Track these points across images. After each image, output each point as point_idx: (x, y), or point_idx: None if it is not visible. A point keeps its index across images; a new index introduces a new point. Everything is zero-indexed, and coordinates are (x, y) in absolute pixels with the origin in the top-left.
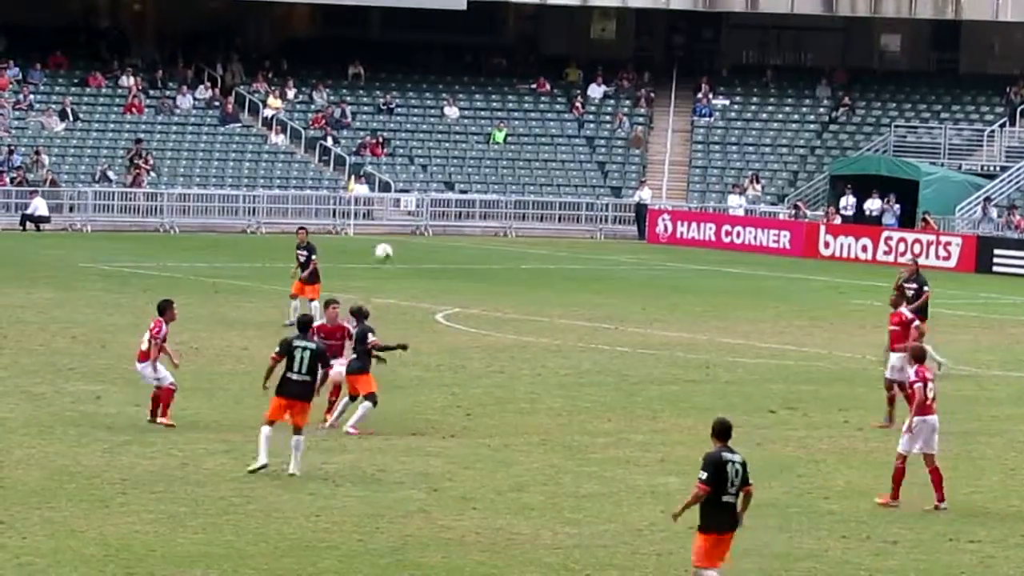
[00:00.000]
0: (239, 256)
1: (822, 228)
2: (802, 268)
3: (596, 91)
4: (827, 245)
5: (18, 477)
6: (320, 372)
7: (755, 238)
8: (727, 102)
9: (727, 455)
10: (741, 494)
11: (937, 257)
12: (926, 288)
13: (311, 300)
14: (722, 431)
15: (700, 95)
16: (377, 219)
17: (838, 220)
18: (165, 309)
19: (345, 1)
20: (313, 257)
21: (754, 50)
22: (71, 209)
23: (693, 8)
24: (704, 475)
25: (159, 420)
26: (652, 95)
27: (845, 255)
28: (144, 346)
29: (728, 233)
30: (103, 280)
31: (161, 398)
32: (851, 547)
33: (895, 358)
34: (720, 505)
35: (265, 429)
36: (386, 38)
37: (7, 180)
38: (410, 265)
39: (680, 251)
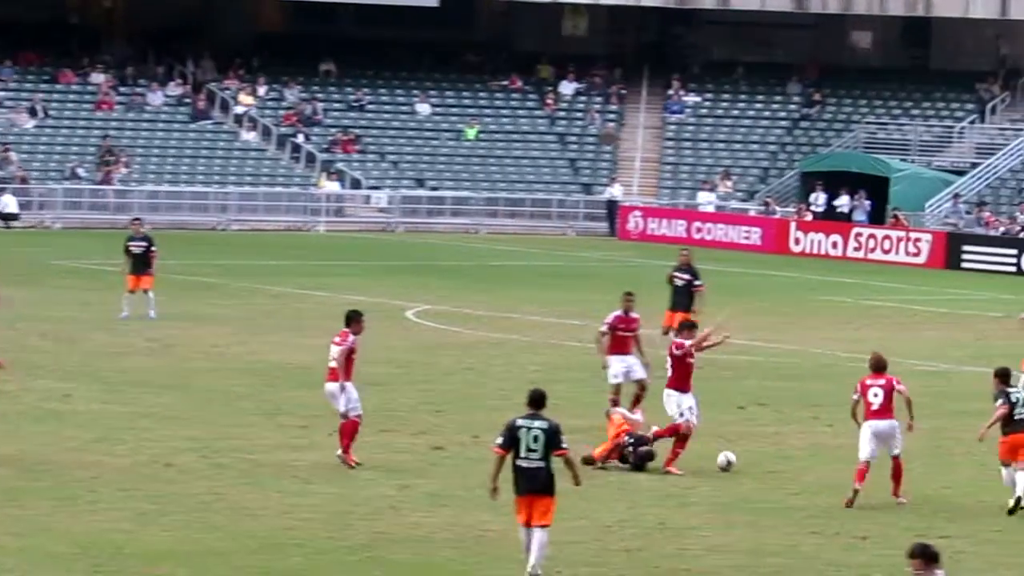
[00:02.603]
0: (209, 253)
1: (792, 225)
2: (773, 264)
3: (568, 88)
4: (797, 241)
5: None
6: None
7: (726, 235)
8: (698, 99)
9: (522, 421)
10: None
11: (907, 253)
12: (698, 282)
13: (146, 291)
14: (532, 400)
15: (671, 92)
16: (348, 216)
17: (809, 217)
18: (353, 320)
19: None
20: (153, 248)
21: (725, 47)
22: (41, 206)
23: (664, 5)
24: (499, 440)
25: (343, 457)
26: (624, 92)
27: (815, 251)
28: (333, 363)
29: (699, 230)
30: (73, 277)
31: (344, 431)
32: (821, 543)
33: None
34: (517, 469)
35: None
36: (358, 34)
37: None
38: (381, 262)
39: (651, 247)
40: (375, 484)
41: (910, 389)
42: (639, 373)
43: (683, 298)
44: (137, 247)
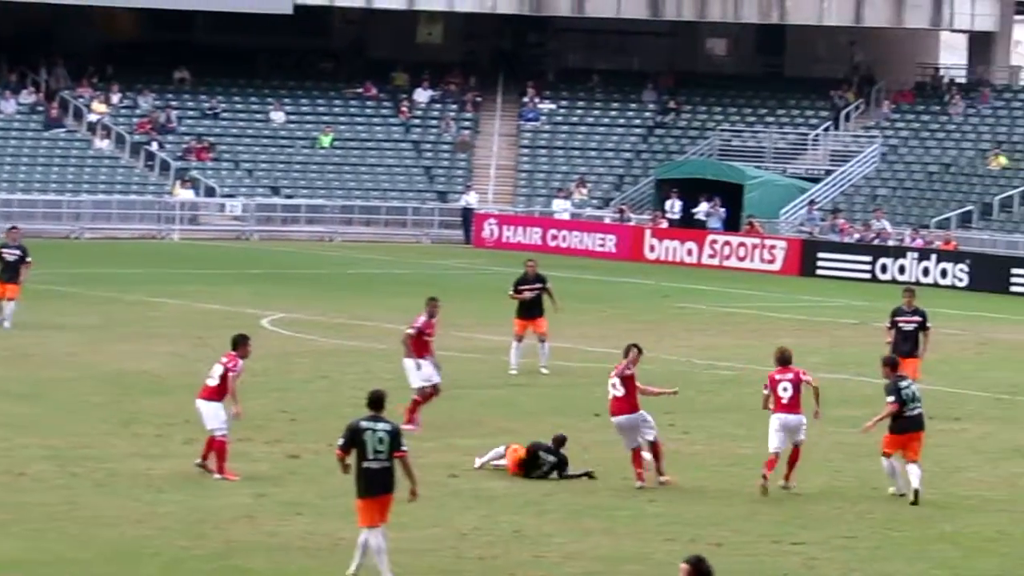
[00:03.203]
0: (64, 262)
1: (647, 232)
2: (628, 272)
3: (423, 95)
4: (652, 249)
5: None
6: None
7: (581, 242)
8: (554, 106)
9: (366, 423)
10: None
11: (762, 260)
12: (548, 284)
13: (10, 299)
14: (372, 401)
15: (527, 99)
16: (203, 224)
17: (664, 224)
18: (240, 344)
19: (170, 5)
20: (28, 259)
21: (580, 54)
22: None
23: (520, 12)
24: (340, 441)
25: (216, 476)
26: (479, 99)
27: (670, 259)
28: (213, 382)
29: (554, 237)
30: None
31: (213, 448)
32: (676, 549)
33: (423, 365)
34: (363, 471)
35: None
36: (212, 42)
37: None
38: (236, 270)
39: (506, 255)
40: (230, 493)
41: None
42: (438, 378)
43: (536, 306)
44: (11, 254)
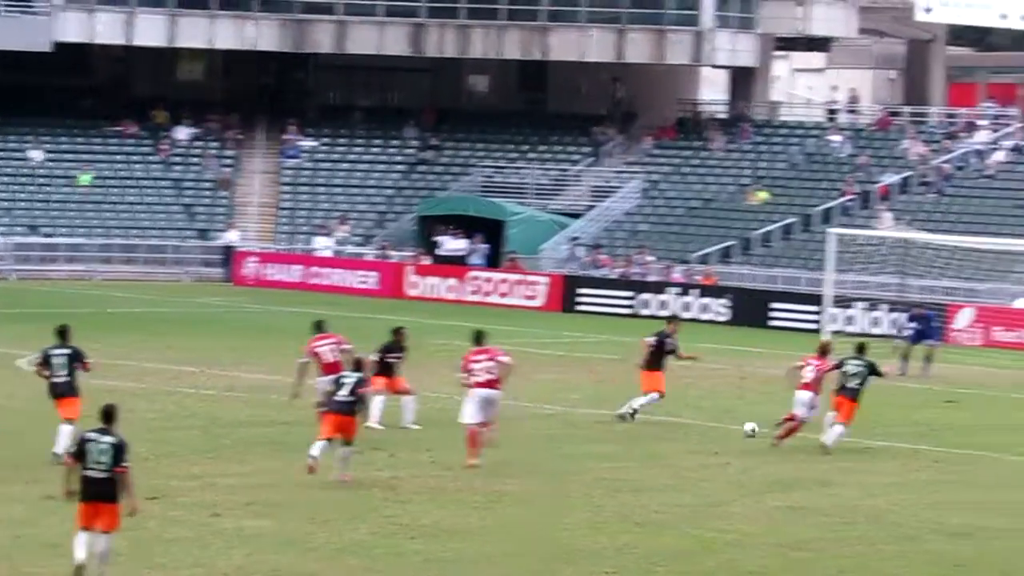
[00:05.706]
0: None
1: (409, 269)
2: (389, 309)
3: (183, 133)
4: (414, 285)
5: None
6: None
7: (343, 279)
8: (315, 143)
9: (92, 435)
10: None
11: (524, 297)
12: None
13: None
14: (103, 415)
15: (288, 136)
16: None
17: (428, 261)
18: None
19: None
20: None
21: (342, 91)
22: None
23: (281, 49)
24: (72, 449)
25: None
26: (240, 136)
27: (432, 295)
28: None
29: (316, 274)
30: None
31: None
32: None
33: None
34: (83, 478)
35: None
36: None
37: None
38: None
39: (268, 293)
40: None
41: (529, 429)
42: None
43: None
44: None
